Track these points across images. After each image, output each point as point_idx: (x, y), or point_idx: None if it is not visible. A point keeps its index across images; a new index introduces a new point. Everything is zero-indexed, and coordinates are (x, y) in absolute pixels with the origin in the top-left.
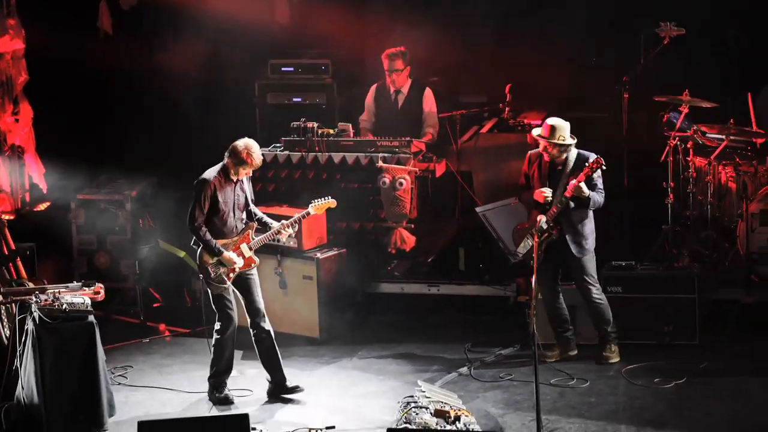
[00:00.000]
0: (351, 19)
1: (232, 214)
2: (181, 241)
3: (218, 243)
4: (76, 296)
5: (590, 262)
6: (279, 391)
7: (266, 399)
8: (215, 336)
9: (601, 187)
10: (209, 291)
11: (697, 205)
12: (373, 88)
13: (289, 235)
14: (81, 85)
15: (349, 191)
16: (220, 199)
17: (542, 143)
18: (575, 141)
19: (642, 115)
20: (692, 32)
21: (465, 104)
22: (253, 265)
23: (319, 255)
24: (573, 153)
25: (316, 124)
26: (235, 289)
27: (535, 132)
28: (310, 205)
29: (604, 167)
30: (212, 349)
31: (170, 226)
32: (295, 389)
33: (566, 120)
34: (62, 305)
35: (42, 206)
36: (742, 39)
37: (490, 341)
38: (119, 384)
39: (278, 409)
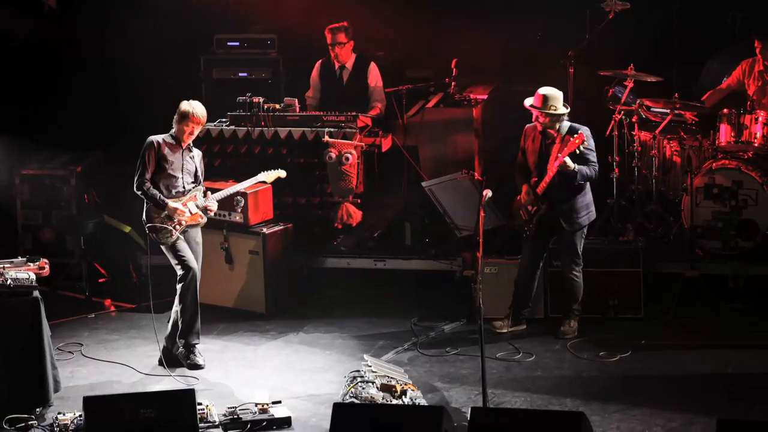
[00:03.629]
0: None
1: (180, 177)
2: (127, 217)
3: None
4: (21, 271)
5: (579, 238)
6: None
7: (214, 375)
8: (178, 285)
9: (594, 160)
10: (162, 246)
11: (642, 180)
12: (318, 64)
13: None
14: (26, 59)
15: (295, 166)
16: (168, 160)
17: (534, 113)
18: (568, 110)
19: (587, 89)
20: (637, 7)
21: (411, 79)
22: (200, 220)
23: (265, 230)
24: (565, 125)
25: (262, 99)
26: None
27: (527, 102)
28: (261, 173)
29: (585, 143)
30: (177, 299)
31: (115, 201)
32: (195, 366)
33: (512, 95)
34: (7, 281)
35: None
36: (686, 13)
37: (436, 316)
38: (65, 360)
39: (224, 384)
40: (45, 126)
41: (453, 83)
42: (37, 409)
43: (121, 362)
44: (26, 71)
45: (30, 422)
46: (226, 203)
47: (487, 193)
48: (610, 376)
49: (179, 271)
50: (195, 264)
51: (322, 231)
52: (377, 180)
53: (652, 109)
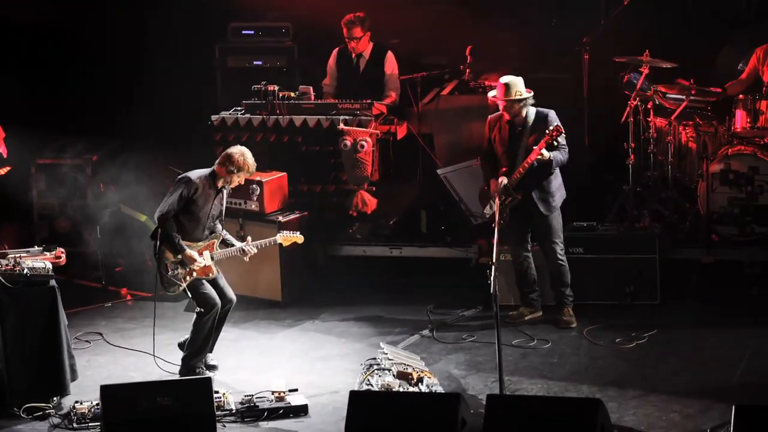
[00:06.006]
0: None
1: (204, 221)
2: (142, 205)
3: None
4: (37, 261)
5: (556, 222)
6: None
7: (230, 363)
8: (196, 315)
9: (564, 143)
10: (164, 285)
11: (658, 166)
12: (335, 52)
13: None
14: (41, 47)
15: (310, 154)
16: (198, 203)
17: (500, 104)
18: (532, 94)
19: (602, 76)
20: None
21: (426, 66)
22: (210, 275)
23: (281, 218)
24: (532, 111)
25: (277, 87)
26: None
27: (491, 94)
28: (278, 234)
29: (563, 134)
30: (192, 326)
31: (131, 191)
32: (211, 367)
33: (527, 82)
34: (23, 270)
35: (2, 171)
36: None
37: (452, 303)
38: (81, 348)
39: (240, 372)
40: (61, 115)
41: (468, 70)
42: (55, 398)
43: (138, 350)
44: (42, 60)
45: (47, 411)
46: (241, 192)
47: (503, 180)
48: (627, 362)
49: (200, 308)
50: (218, 300)
51: (337, 219)
52: (392, 167)
53: (667, 95)
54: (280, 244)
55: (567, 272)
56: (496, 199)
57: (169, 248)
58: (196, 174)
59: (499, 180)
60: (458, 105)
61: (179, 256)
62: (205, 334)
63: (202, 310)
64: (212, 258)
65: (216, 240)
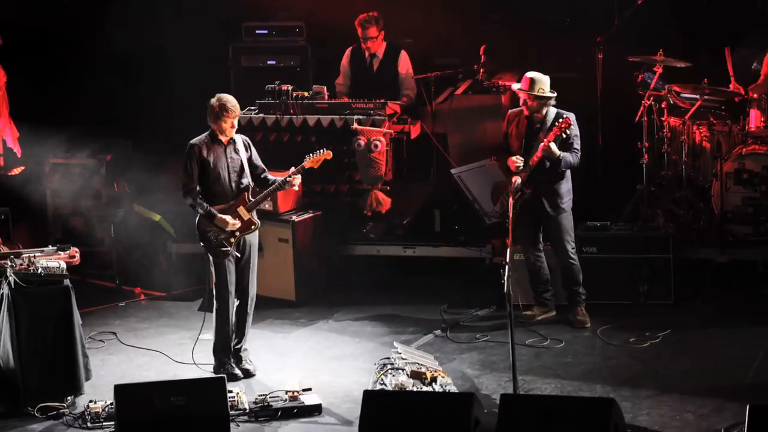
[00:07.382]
0: None
1: (226, 177)
2: (156, 205)
3: (214, 208)
4: (52, 260)
5: (566, 221)
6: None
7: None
8: (215, 304)
9: (577, 147)
10: (210, 259)
11: (672, 165)
12: (348, 51)
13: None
14: (55, 48)
15: None
16: (210, 162)
17: (522, 96)
18: (555, 95)
19: (616, 75)
20: None
21: (439, 66)
22: (253, 227)
23: (294, 218)
24: (552, 111)
25: (290, 87)
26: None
27: (515, 86)
28: (305, 158)
29: (572, 126)
30: (213, 318)
31: (145, 190)
32: (246, 371)
33: None
34: (37, 269)
35: (16, 171)
36: None
37: (466, 302)
38: (95, 348)
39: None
40: (74, 115)
41: (481, 70)
42: (69, 398)
43: (153, 349)
44: (54, 60)
45: (61, 410)
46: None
47: (516, 179)
48: (641, 362)
49: (214, 292)
50: (232, 295)
51: (351, 218)
52: (406, 167)
53: (681, 94)
54: (311, 168)
55: (579, 271)
56: (510, 198)
57: (205, 217)
58: (196, 138)
59: (514, 179)
60: (472, 104)
61: (216, 224)
62: (222, 325)
63: (216, 295)
64: (248, 210)
65: (246, 192)
